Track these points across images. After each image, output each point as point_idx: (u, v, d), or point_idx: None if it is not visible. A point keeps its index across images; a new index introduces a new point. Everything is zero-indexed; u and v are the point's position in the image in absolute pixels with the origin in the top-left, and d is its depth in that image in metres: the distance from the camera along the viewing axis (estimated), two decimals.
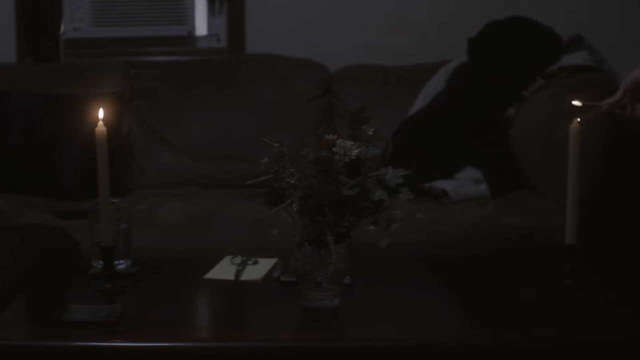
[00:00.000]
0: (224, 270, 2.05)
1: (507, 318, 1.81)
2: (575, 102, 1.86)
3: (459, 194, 2.86)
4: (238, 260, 2.08)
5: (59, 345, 1.67)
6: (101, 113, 1.86)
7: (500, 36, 3.17)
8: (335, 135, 1.73)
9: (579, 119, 1.91)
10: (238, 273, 2.02)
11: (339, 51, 3.45)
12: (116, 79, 3.26)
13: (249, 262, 2.07)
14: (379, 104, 3.07)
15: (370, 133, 1.73)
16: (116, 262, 1.94)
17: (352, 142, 1.72)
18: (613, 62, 3.03)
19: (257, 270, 2.04)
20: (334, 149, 1.71)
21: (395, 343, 1.68)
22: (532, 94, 2.98)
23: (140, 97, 3.28)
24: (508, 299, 1.94)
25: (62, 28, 3.55)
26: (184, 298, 1.95)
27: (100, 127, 1.85)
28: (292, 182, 1.71)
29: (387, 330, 1.74)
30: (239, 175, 2.96)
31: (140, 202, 2.81)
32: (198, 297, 2.01)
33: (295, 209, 1.72)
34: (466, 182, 2.95)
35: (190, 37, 3.74)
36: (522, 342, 1.71)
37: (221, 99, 3.25)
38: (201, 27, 3.74)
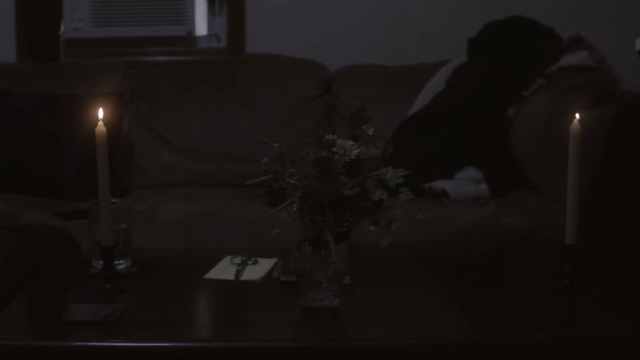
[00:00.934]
0: (224, 270, 2.05)
1: (507, 318, 1.81)
2: None
3: (459, 194, 2.86)
4: (238, 260, 2.08)
5: (59, 345, 1.67)
6: (101, 113, 1.86)
7: (500, 36, 3.17)
8: (335, 135, 1.73)
9: (579, 119, 1.91)
10: (238, 273, 2.02)
11: (339, 51, 3.45)
12: (116, 79, 3.26)
13: (249, 262, 2.07)
14: (379, 104, 3.07)
15: (370, 133, 1.73)
16: (116, 262, 1.93)
17: (352, 142, 1.72)
18: (613, 62, 3.03)
19: (257, 270, 2.04)
20: (334, 149, 1.71)
21: (395, 343, 1.68)
22: (532, 94, 2.98)
23: (140, 97, 3.28)
24: (508, 299, 1.94)
25: (62, 28, 3.55)
26: (184, 298, 1.95)
27: (100, 127, 1.85)
28: (292, 182, 1.71)
29: (387, 330, 1.74)
30: (239, 175, 2.97)
31: (140, 202, 2.81)
32: (198, 297, 2.01)
33: (295, 209, 1.72)
34: (466, 182, 2.95)
35: (190, 37, 3.74)
36: (522, 342, 1.71)
37: (221, 99, 3.25)
38: (201, 27, 3.74)
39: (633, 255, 2.28)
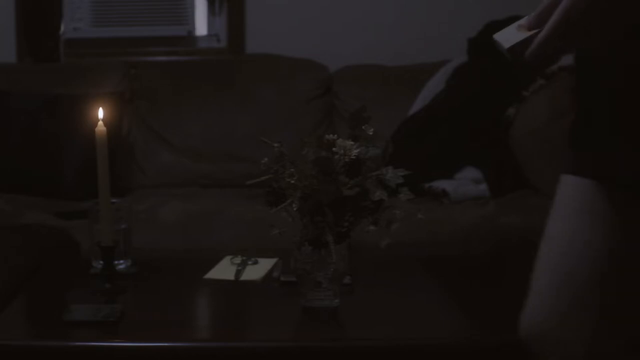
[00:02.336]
0: (224, 270, 2.05)
1: (507, 318, 1.81)
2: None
3: (459, 194, 2.86)
4: (238, 260, 2.08)
5: (59, 345, 1.67)
6: (101, 113, 1.86)
7: None
8: (335, 135, 1.73)
9: None
10: (238, 273, 2.02)
11: (339, 51, 3.45)
12: (116, 79, 3.26)
13: (249, 262, 2.07)
14: (379, 104, 3.08)
15: (370, 133, 1.73)
16: (116, 262, 1.93)
17: (352, 142, 1.72)
18: None
19: (257, 270, 2.04)
20: (334, 149, 1.71)
21: (395, 343, 1.68)
22: (532, 94, 2.98)
23: (140, 97, 3.28)
24: (508, 299, 1.93)
25: (62, 28, 3.56)
26: (184, 298, 1.95)
27: (100, 127, 1.85)
28: (292, 182, 1.71)
29: (387, 330, 1.74)
30: (239, 175, 2.97)
31: (140, 202, 2.81)
32: (198, 297, 2.01)
33: (295, 209, 1.72)
34: (466, 182, 2.95)
35: (190, 37, 3.74)
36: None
37: (221, 99, 3.25)
38: (201, 27, 3.74)
39: None
